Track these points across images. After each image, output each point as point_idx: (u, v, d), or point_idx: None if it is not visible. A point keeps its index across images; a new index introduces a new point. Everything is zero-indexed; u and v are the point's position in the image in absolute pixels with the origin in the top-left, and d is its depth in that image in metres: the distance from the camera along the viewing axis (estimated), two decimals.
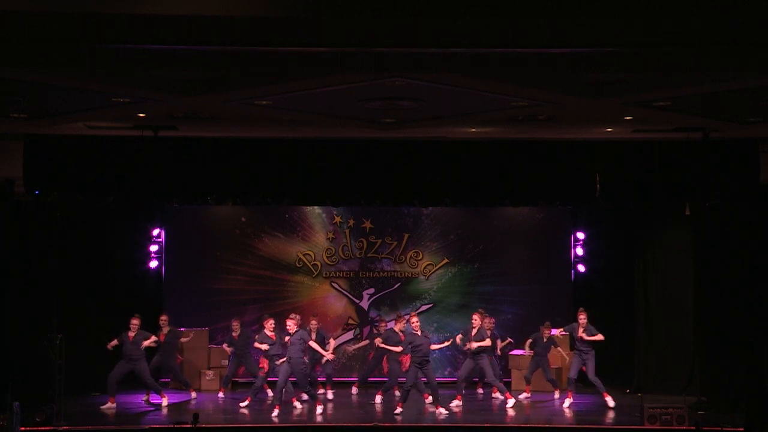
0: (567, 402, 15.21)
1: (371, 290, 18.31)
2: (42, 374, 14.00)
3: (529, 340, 16.14)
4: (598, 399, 15.93)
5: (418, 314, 18.04)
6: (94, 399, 15.84)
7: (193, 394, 16.04)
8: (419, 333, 14.68)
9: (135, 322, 15.22)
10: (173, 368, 16.17)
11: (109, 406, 14.91)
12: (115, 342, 15.12)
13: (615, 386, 16.92)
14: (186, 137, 13.95)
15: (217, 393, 16.42)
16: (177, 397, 15.94)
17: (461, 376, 15.65)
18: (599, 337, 15.32)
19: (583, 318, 15.49)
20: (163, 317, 16.27)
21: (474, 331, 15.36)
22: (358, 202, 15.34)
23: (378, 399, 15.47)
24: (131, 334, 15.12)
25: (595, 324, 17.70)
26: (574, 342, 17.45)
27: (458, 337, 15.69)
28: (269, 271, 18.22)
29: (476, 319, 15.40)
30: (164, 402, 15.21)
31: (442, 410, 14.47)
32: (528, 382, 16.25)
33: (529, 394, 16.13)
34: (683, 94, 11.35)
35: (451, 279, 18.35)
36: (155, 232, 17.99)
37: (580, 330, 15.37)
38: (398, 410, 14.34)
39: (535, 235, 18.37)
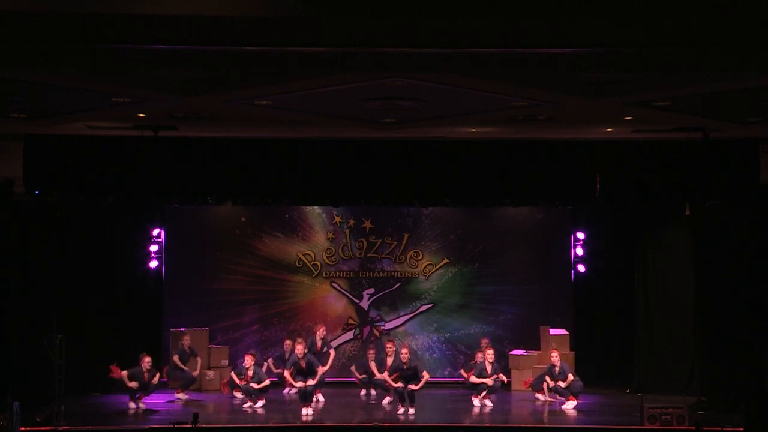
0: (569, 404, 15.11)
1: (371, 290, 18.31)
2: (42, 374, 13.99)
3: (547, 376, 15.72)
4: (598, 399, 15.96)
5: (418, 314, 18.18)
6: (94, 399, 15.86)
7: (182, 396, 15.96)
8: (405, 366, 14.61)
9: (148, 359, 15.18)
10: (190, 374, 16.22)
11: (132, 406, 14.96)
12: (125, 375, 14.99)
13: (615, 386, 16.96)
14: (186, 137, 13.95)
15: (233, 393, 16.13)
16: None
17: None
18: (570, 379, 15.23)
19: (555, 356, 15.46)
20: (186, 338, 16.34)
21: (489, 366, 15.41)
22: (358, 202, 15.35)
23: (386, 400, 15.38)
24: (146, 374, 15.05)
25: (595, 325, 17.76)
26: (572, 343, 17.51)
27: (462, 371, 15.90)
28: (269, 271, 18.22)
29: (487, 355, 15.48)
30: (139, 406, 15.03)
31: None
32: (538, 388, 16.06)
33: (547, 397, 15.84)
34: (683, 94, 11.35)
35: (451, 279, 18.35)
36: (155, 232, 17.98)
37: (556, 370, 15.33)
38: (401, 410, 14.33)
39: (535, 235, 18.37)
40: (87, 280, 16.59)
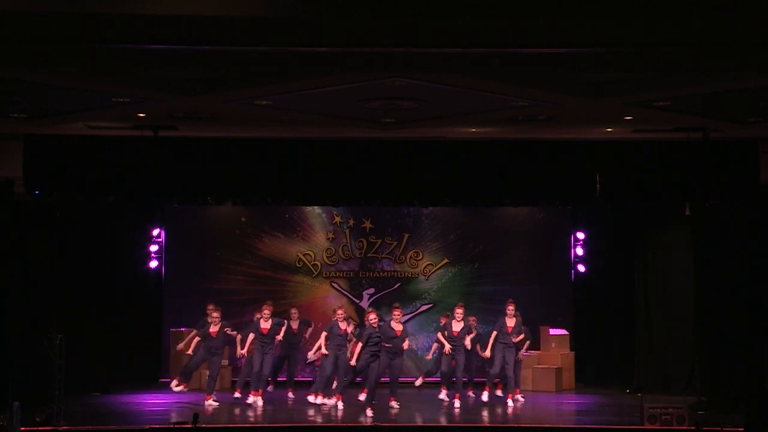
0: (484, 392, 15.35)
1: (371, 290, 18.31)
2: (42, 374, 13.98)
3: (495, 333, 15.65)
4: (598, 399, 15.96)
5: (418, 314, 18.19)
6: (94, 399, 15.85)
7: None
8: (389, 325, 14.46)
9: (216, 315, 15.19)
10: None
11: (182, 388, 15.08)
12: (194, 341, 15.17)
13: (615, 386, 16.96)
14: (186, 137, 13.95)
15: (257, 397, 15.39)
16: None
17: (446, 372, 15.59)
18: (522, 337, 15.33)
19: (510, 309, 15.46)
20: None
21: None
22: (358, 202, 15.35)
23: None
24: (214, 329, 15.09)
25: (595, 325, 17.76)
26: (572, 342, 17.52)
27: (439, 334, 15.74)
28: (269, 271, 18.23)
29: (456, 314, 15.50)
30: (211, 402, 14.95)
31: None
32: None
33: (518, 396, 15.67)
34: (683, 94, 11.35)
35: (451, 279, 18.35)
36: (155, 232, 18.00)
37: (509, 322, 15.35)
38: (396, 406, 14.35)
39: (535, 235, 18.38)
40: (87, 280, 16.57)
